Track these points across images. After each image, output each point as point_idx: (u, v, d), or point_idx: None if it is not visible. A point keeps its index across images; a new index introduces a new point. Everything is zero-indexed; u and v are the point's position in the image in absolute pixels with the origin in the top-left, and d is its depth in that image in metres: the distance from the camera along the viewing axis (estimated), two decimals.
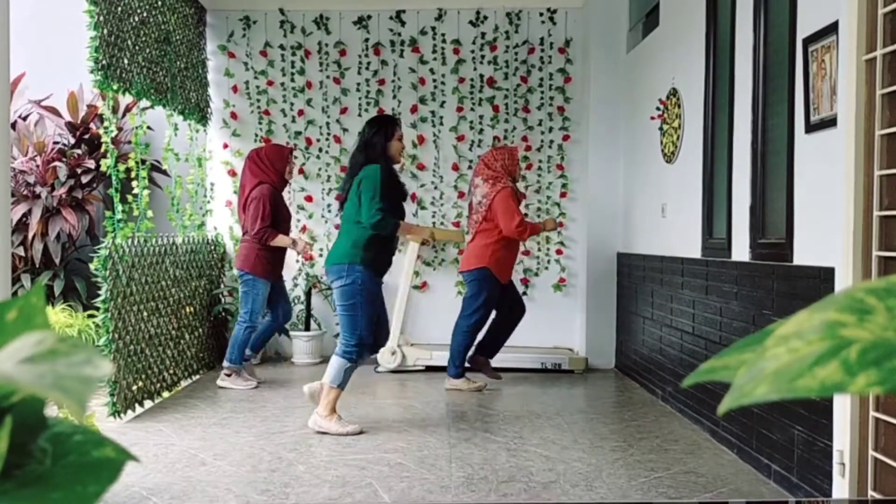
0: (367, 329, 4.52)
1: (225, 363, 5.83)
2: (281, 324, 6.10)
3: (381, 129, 4.64)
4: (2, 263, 3.24)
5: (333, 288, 4.61)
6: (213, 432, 4.54)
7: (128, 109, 6.86)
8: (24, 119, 7.32)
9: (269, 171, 5.77)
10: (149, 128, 6.34)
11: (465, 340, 5.73)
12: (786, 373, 0.44)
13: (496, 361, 6.18)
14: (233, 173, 7.15)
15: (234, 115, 7.14)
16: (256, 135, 7.15)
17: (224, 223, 7.14)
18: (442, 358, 6.50)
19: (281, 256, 5.90)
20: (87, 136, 7.22)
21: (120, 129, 7.00)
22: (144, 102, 5.76)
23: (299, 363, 6.78)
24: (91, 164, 7.00)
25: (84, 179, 7.03)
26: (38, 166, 7.02)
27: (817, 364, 0.44)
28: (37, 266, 6.92)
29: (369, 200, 4.45)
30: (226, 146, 7.15)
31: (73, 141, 7.24)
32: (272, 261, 5.81)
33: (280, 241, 5.75)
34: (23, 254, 6.92)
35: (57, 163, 7.00)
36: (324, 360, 6.90)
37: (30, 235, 6.83)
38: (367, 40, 7.11)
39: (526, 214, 6.11)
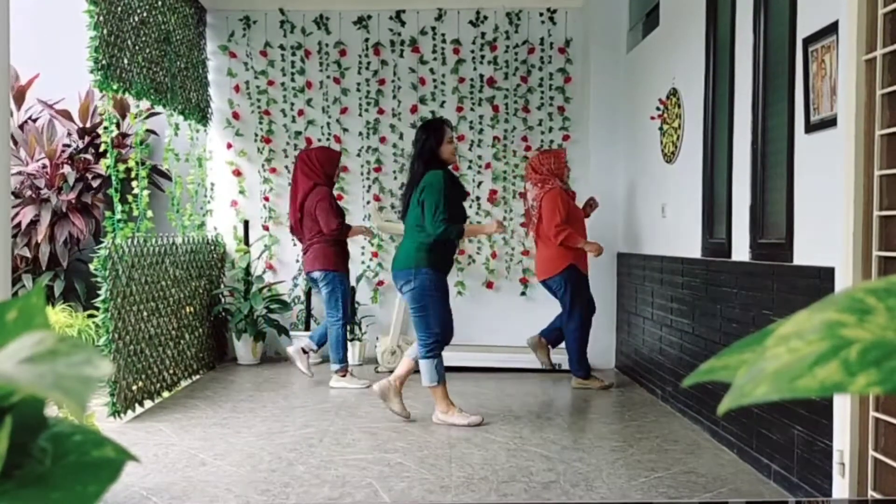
0: (442, 324, 4.71)
1: (333, 367, 5.91)
2: (349, 321, 6.19)
3: (431, 135, 4.79)
4: (2, 264, 3.24)
5: (402, 292, 4.81)
6: (213, 432, 4.54)
7: (137, 114, 6.87)
8: (35, 121, 7.31)
9: (319, 173, 5.89)
10: (150, 131, 6.34)
11: (576, 342, 5.82)
12: (786, 373, 0.44)
13: (494, 361, 6.20)
14: (237, 173, 7.16)
15: (236, 115, 7.15)
16: (257, 134, 7.16)
17: (227, 223, 7.14)
18: (451, 359, 6.50)
19: (347, 252, 6.02)
20: (97, 141, 7.22)
21: (125, 135, 7.00)
22: (149, 108, 5.76)
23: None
24: (100, 168, 7.01)
25: (93, 184, 7.04)
26: (44, 167, 7.02)
27: (817, 364, 0.44)
28: (44, 269, 6.93)
29: (433, 211, 4.62)
30: (230, 146, 7.16)
31: (82, 145, 7.24)
32: (343, 256, 5.93)
33: (354, 232, 5.98)
34: (29, 255, 6.91)
35: (66, 167, 7.01)
36: (324, 360, 6.91)
37: (38, 239, 6.83)
38: (367, 40, 7.11)
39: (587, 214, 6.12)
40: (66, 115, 7.24)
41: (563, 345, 5.96)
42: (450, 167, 4.91)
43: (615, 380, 6.30)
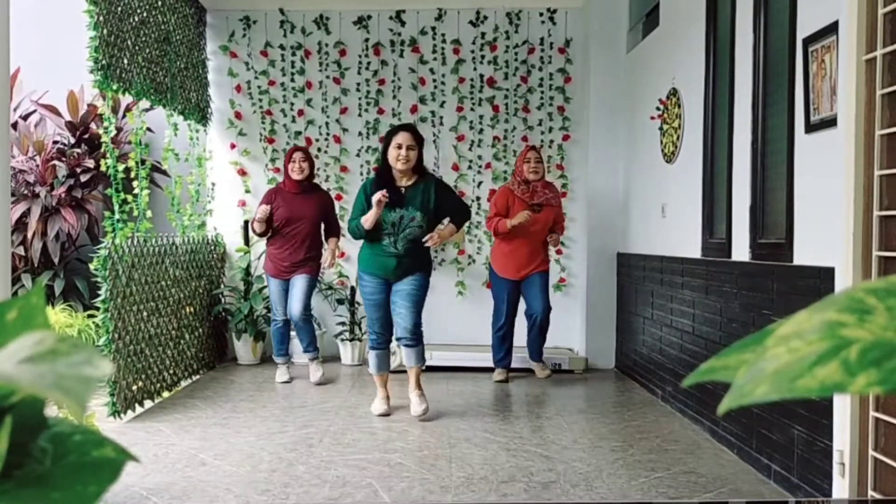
0: (372, 323, 4.96)
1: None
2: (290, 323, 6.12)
3: (384, 142, 5.00)
4: (2, 263, 3.24)
5: None
6: (213, 432, 4.54)
7: (128, 109, 6.87)
8: (25, 119, 7.32)
9: (284, 170, 6.02)
10: (149, 129, 6.34)
11: (492, 333, 6.10)
12: (786, 373, 0.44)
13: (489, 362, 6.22)
14: (242, 172, 7.16)
15: (238, 115, 7.15)
16: (260, 134, 7.16)
17: (232, 223, 7.13)
18: (441, 358, 6.50)
19: (288, 255, 5.89)
20: (86, 136, 7.22)
21: (120, 130, 7.01)
22: (144, 103, 5.76)
23: (299, 363, 6.77)
24: (91, 163, 7.01)
25: (83, 179, 7.04)
26: (37, 165, 7.03)
27: (817, 364, 0.44)
28: (36, 265, 6.93)
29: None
30: (233, 146, 7.16)
31: (72, 140, 7.24)
32: (274, 260, 5.94)
33: (260, 209, 5.86)
34: (22, 253, 6.92)
35: (56, 162, 7.00)
36: (324, 359, 6.91)
37: (29, 235, 6.83)
38: (367, 40, 7.11)
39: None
40: (54, 110, 7.25)
41: (561, 343, 5.96)
42: (397, 168, 4.85)
43: (615, 380, 6.30)
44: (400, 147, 4.82)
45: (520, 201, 5.90)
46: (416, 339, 4.95)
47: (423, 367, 5.07)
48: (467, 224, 7.09)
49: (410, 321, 4.91)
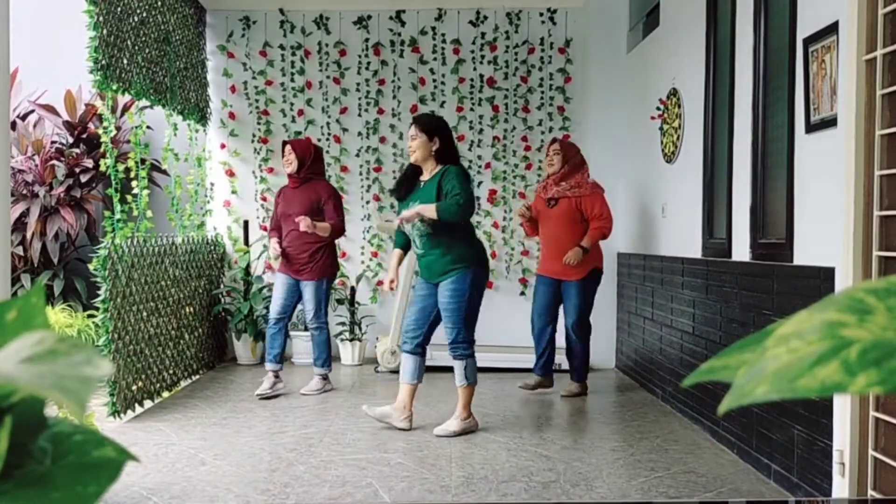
0: (406, 322, 4.72)
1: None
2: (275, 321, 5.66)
3: None
4: (2, 263, 3.24)
5: None
6: (213, 432, 4.54)
7: (126, 108, 6.87)
8: (23, 119, 7.32)
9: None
10: (148, 127, 6.34)
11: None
12: (786, 373, 0.44)
13: (494, 361, 6.19)
14: (231, 173, 7.15)
15: (232, 116, 7.14)
16: (255, 135, 7.16)
17: (223, 223, 7.14)
18: (441, 358, 6.49)
19: (291, 251, 5.48)
20: (85, 136, 7.22)
21: (118, 129, 7.01)
22: (143, 102, 5.76)
23: (299, 363, 6.78)
24: (89, 163, 7.01)
25: (83, 179, 7.04)
26: (36, 165, 7.03)
27: (817, 364, 0.44)
28: (35, 265, 6.93)
29: None
30: (223, 146, 7.15)
31: (71, 140, 7.24)
32: (284, 255, 5.50)
33: (271, 244, 5.56)
34: (21, 253, 6.93)
35: (55, 162, 7.00)
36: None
37: (28, 235, 6.83)
38: (367, 40, 7.11)
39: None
40: (52, 110, 7.25)
41: (562, 343, 5.95)
42: (413, 161, 4.64)
43: (615, 380, 6.30)
44: (412, 138, 4.59)
45: (539, 198, 5.67)
46: (458, 351, 4.52)
47: (473, 385, 4.57)
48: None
49: (450, 334, 4.53)
